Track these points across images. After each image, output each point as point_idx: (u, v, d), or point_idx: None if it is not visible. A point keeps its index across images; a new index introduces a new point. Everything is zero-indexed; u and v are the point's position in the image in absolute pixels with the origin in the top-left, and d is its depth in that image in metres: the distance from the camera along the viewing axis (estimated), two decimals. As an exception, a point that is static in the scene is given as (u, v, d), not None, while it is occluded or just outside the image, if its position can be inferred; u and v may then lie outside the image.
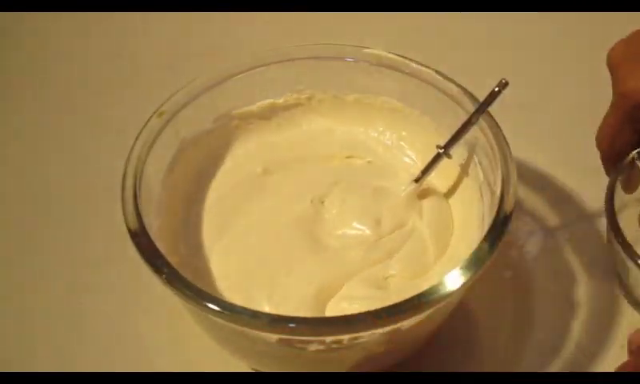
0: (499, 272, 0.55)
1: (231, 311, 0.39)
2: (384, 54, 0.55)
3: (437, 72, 0.53)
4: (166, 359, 0.51)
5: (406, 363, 0.48)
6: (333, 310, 0.46)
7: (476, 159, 0.52)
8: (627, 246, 0.47)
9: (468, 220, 0.51)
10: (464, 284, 0.40)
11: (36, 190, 0.63)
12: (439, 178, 0.54)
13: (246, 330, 0.40)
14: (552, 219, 0.59)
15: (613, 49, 0.35)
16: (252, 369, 0.50)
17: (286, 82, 0.57)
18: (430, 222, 0.51)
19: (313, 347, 0.41)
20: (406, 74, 0.54)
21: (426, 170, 0.52)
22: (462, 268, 0.41)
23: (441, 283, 0.40)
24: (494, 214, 0.44)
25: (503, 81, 0.50)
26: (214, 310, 0.39)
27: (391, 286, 0.48)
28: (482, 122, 0.50)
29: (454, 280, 0.40)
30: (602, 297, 0.54)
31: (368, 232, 0.50)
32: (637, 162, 0.50)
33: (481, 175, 0.51)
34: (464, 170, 0.54)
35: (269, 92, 0.57)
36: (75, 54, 0.78)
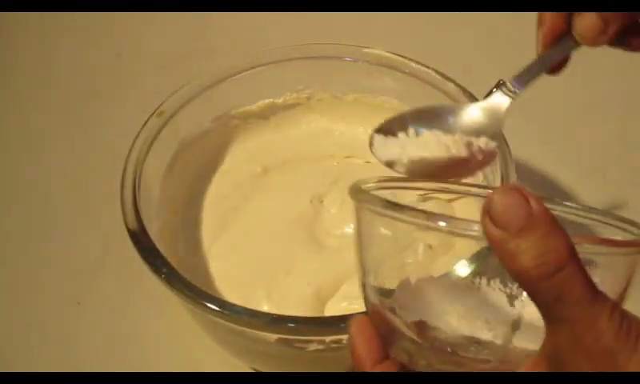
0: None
1: (231, 311, 0.39)
2: (384, 53, 0.55)
3: (436, 72, 0.53)
4: (166, 359, 0.51)
5: (405, 363, 0.48)
6: (332, 309, 0.46)
7: (475, 159, 0.52)
8: None
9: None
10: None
11: (35, 191, 0.63)
12: (439, 178, 0.54)
13: (246, 329, 0.40)
14: (551, 219, 0.59)
15: None
16: (251, 368, 0.50)
17: (286, 81, 0.57)
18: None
19: (312, 347, 0.41)
20: (406, 73, 0.54)
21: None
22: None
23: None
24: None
25: (501, 81, 0.49)
26: (213, 309, 0.39)
27: (390, 286, 0.48)
28: (482, 121, 0.50)
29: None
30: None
31: (367, 232, 0.50)
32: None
33: (480, 175, 0.51)
34: (463, 170, 0.54)
35: (268, 92, 0.57)
36: (75, 54, 0.78)
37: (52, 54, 0.78)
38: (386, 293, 0.31)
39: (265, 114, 0.58)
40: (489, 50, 0.76)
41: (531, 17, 0.79)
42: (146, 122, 0.50)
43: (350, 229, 0.51)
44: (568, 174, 0.62)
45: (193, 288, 0.40)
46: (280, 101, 0.58)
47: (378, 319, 0.31)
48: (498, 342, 0.30)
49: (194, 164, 0.54)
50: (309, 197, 0.53)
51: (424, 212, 0.27)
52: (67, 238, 0.59)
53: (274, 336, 0.40)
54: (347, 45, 0.56)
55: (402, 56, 0.55)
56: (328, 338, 0.40)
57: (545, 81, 0.72)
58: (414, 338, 0.29)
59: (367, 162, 0.57)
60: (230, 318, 0.39)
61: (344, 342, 0.40)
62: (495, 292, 0.31)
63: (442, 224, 0.26)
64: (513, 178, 0.46)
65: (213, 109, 0.55)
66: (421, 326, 0.30)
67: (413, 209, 0.27)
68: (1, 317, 0.54)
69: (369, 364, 0.30)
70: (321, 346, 0.40)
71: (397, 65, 0.55)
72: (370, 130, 0.58)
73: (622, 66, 0.74)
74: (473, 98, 0.51)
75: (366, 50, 0.56)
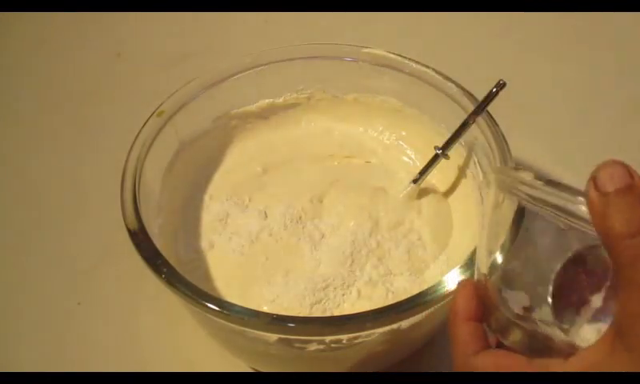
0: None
1: (231, 311, 0.39)
2: (384, 53, 0.55)
3: (437, 72, 0.53)
4: (166, 359, 0.51)
5: (405, 363, 0.48)
6: (332, 309, 0.46)
7: (475, 159, 0.52)
8: None
9: (467, 219, 0.51)
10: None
11: (35, 191, 0.63)
12: (438, 178, 0.55)
13: (246, 329, 0.40)
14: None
15: None
16: (251, 368, 0.50)
17: (286, 81, 0.57)
18: (429, 221, 0.52)
19: (312, 347, 0.41)
20: (406, 73, 0.55)
21: (424, 171, 0.52)
22: (461, 267, 0.41)
23: (440, 283, 0.40)
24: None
25: (501, 81, 0.50)
26: (213, 309, 0.39)
27: (390, 285, 0.48)
28: (481, 121, 0.50)
29: (453, 279, 0.40)
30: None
31: (367, 231, 0.50)
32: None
33: (480, 175, 0.51)
34: (463, 170, 0.54)
35: (268, 92, 0.57)
36: (74, 54, 0.78)
37: (52, 53, 0.78)
38: (499, 271, 0.33)
39: (265, 114, 0.58)
40: (489, 50, 0.76)
41: (531, 17, 0.79)
42: (146, 122, 0.50)
43: (349, 229, 0.51)
44: (568, 173, 0.62)
45: (193, 288, 0.40)
46: (280, 101, 0.58)
47: (484, 291, 0.33)
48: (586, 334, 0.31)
49: (194, 164, 0.54)
50: (309, 196, 0.53)
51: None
52: (67, 238, 0.59)
53: (274, 336, 0.40)
54: (347, 45, 0.56)
55: (402, 56, 0.55)
56: (328, 338, 0.40)
57: (545, 81, 0.73)
58: (512, 318, 0.31)
59: (367, 162, 0.57)
60: (229, 318, 0.39)
61: (344, 341, 0.40)
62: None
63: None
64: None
65: (213, 109, 0.55)
66: (521, 309, 0.32)
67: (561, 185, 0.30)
68: (1, 317, 0.54)
69: (461, 315, 0.33)
70: (321, 346, 0.40)
71: (397, 65, 0.55)
72: (369, 130, 0.59)
73: (623, 67, 0.74)
74: (473, 98, 0.51)
75: (366, 50, 0.56)
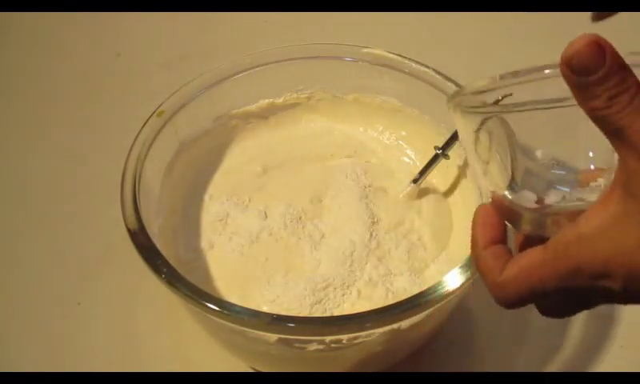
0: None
1: (231, 311, 0.39)
2: (384, 53, 0.55)
3: (437, 72, 0.53)
4: (166, 359, 0.51)
5: (405, 363, 0.48)
6: (332, 309, 0.46)
7: (475, 159, 0.52)
8: None
9: (467, 219, 0.51)
10: (463, 283, 0.40)
11: (35, 191, 0.63)
12: (438, 178, 0.55)
13: (246, 329, 0.40)
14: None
15: None
16: (251, 368, 0.50)
17: (286, 81, 0.57)
18: (429, 221, 0.52)
19: (312, 347, 0.41)
20: (406, 73, 0.55)
21: (424, 171, 0.52)
22: (461, 267, 0.41)
23: (440, 283, 0.40)
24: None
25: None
26: (213, 309, 0.39)
27: (390, 285, 0.48)
28: (482, 121, 0.50)
29: (453, 279, 0.40)
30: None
31: (367, 231, 0.50)
32: None
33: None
34: (463, 170, 0.54)
35: (268, 92, 0.57)
36: (74, 54, 0.78)
37: (52, 53, 0.78)
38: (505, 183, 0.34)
39: (265, 114, 0.58)
40: (489, 50, 0.76)
41: (531, 17, 0.79)
42: (146, 122, 0.50)
43: (349, 228, 0.51)
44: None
45: (193, 288, 0.40)
46: (280, 101, 0.58)
47: (501, 206, 0.34)
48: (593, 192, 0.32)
49: (193, 164, 0.54)
50: (309, 196, 0.53)
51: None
52: (67, 237, 0.59)
53: (274, 336, 0.40)
54: (347, 45, 0.56)
55: (402, 56, 0.55)
56: (328, 338, 0.40)
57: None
58: (533, 211, 0.33)
59: (367, 162, 0.57)
60: (229, 318, 0.39)
61: (344, 341, 0.40)
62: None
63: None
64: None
65: (213, 109, 0.55)
66: (538, 201, 0.33)
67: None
68: (1, 317, 0.54)
69: (480, 245, 0.34)
70: (321, 346, 0.40)
71: (397, 65, 0.55)
72: (369, 130, 0.59)
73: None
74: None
75: (366, 50, 0.56)
